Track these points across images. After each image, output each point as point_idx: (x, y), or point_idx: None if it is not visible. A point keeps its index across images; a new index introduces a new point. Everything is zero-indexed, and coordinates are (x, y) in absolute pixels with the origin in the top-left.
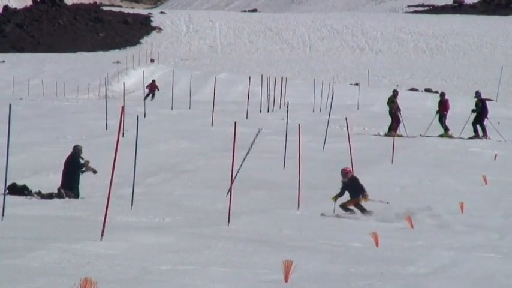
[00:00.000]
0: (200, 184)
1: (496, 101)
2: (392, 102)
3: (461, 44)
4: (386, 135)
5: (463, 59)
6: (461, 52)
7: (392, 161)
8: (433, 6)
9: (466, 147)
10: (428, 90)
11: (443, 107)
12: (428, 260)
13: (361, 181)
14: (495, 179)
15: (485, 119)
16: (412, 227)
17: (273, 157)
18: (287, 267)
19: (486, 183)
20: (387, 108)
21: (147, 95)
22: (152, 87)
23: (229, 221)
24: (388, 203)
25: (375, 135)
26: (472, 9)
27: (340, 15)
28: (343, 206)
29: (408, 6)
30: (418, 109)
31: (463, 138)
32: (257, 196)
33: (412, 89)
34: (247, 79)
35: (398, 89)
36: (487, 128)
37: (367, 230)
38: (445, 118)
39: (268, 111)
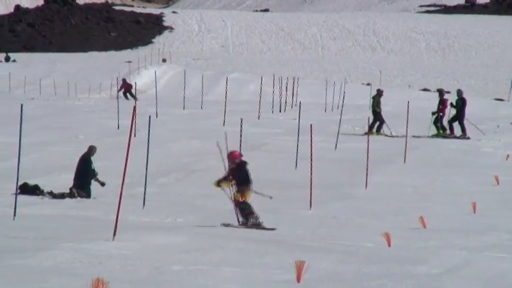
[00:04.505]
0: (212, 184)
1: (508, 100)
2: (378, 102)
3: (473, 44)
4: (373, 134)
5: (475, 58)
6: (473, 52)
7: (405, 161)
8: (445, 6)
9: (478, 147)
10: (445, 91)
11: (442, 106)
12: (440, 260)
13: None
14: (507, 179)
15: (464, 119)
16: (424, 227)
17: (285, 157)
18: (299, 267)
19: (498, 184)
20: (397, 107)
21: (125, 95)
22: (126, 87)
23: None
24: (271, 197)
25: (387, 135)
26: (484, 9)
27: (352, 15)
28: (235, 202)
29: (420, 6)
30: (430, 109)
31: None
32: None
33: (424, 89)
34: (259, 79)
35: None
36: (466, 127)
37: (379, 230)
38: (443, 117)
39: (280, 111)
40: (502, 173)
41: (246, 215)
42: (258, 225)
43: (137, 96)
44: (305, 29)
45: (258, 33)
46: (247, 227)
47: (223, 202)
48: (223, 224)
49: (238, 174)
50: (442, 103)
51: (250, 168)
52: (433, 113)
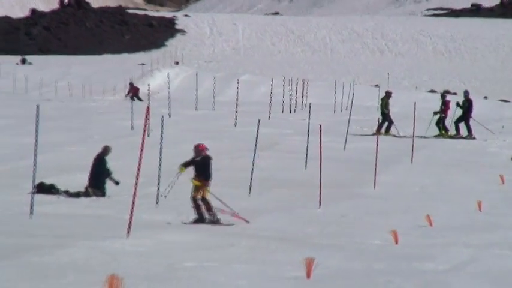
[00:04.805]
0: (224, 183)
1: None
2: (386, 103)
3: (479, 47)
4: (382, 134)
5: (480, 61)
6: (479, 54)
7: (412, 160)
8: (452, 9)
9: (483, 147)
10: (447, 92)
11: (445, 108)
12: (447, 257)
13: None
14: None
15: (470, 119)
16: (431, 225)
17: (295, 157)
18: (309, 264)
19: (503, 183)
20: (405, 108)
21: (132, 98)
22: (134, 91)
23: (246, 219)
24: (235, 212)
25: (395, 135)
26: (489, 13)
27: (360, 19)
28: (193, 199)
29: (427, 9)
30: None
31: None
32: (279, 195)
33: (431, 91)
34: (270, 81)
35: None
36: (472, 128)
37: (387, 228)
38: (445, 118)
39: (290, 112)
40: (507, 172)
41: (202, 212)
42: (215, 222)
43: (151, 97)
44: (314, 31)
45: (268, 36)
46: (205, 223)
47: (235, 201)
48: (167, 223)
49: (201, 169)
50: (445, 104)
51: (261, 168)
52: (435, 113)
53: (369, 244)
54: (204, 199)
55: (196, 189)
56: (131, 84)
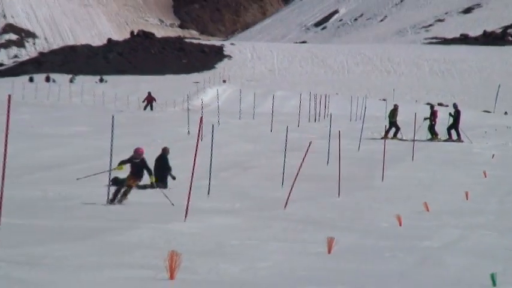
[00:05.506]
0: (262, 177)
1: (493, 112)
2: (394, 114)
3: (466, 68)
4: (389, 138)
5: (467, 79)
6: (466, 74)
7: (413, 159)
8: (444, 38)
9: (470, 148)
10: (440, 104)
11: (433, 116)
12: (440, 236)
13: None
14: (493, 174)
15: (458, 126)
16: (428, 210)
17: (319, 156)
18: (330, 242)
19: (486, 177)
20: (407, 117)
21: (145, 106)
22: (149, 99)
23: (286, 206)
24: (173, 204)
25: (400, 139)
26: (475, 41)
27: (371, 46)
28: (128, 186)
29: (425, 38)
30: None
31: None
32: (306, 187)
33: (428, 103)
34: (299, 96)
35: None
36: (461, 133)
37: (392, 213)
38: (435, 125)
39: (315, 120)
40: (489, 168)
41: (119, 196)
42: (120, 203)
43: (203, 109)
44: (334, 56)
45: (297, 60)
46: (113, 203)
47: (271, 191)
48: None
49: (140, 168)
50: (433, 114)
51: (292, 165)
52: (425, 119)
53: (378, 226)
54: (130, 187)
55: (131, 179)
56: (149, 93)
